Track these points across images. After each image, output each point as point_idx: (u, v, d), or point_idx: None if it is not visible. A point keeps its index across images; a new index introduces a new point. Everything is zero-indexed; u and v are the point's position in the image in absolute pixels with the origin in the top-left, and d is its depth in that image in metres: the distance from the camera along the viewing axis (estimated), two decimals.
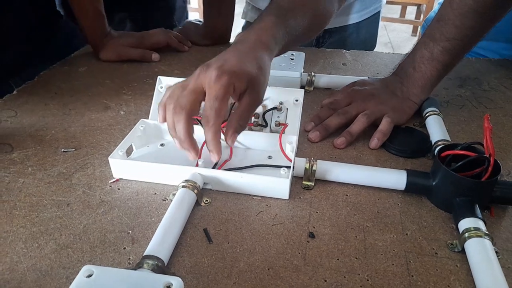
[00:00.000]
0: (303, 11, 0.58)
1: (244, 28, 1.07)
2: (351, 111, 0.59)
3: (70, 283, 0.32)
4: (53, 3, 0.88)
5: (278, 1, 0.57)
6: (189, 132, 0.45)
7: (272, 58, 0.52)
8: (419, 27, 2.93)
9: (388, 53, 0.88)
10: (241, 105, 0.47)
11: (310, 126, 0.59)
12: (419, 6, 3.27)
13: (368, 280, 0.38)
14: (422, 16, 3.00)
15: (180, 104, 0.44)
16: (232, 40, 0.94)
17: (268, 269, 0.39)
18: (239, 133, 0.47)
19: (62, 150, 0.55)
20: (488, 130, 0.42)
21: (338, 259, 0.40)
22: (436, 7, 0.94)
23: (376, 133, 0.56)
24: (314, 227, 0.43)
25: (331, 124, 0.58)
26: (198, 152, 0.47)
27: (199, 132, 0.54)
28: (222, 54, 0.48)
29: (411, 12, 3.51)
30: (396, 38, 3.46)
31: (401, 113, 0.60)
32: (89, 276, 0.33)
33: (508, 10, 0.57)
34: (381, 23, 1.09)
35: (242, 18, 1.05)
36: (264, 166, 0.50)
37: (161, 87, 0.59)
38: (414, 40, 3.21)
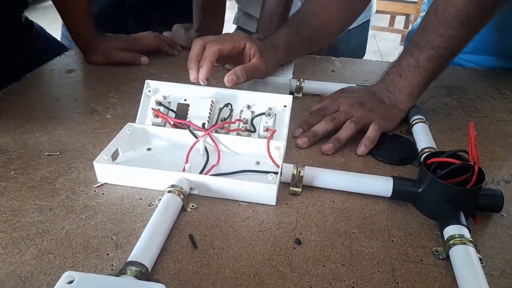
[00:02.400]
0: (310, 20, 0.70)
1: None
2: (339, 117, 0.59)
3: None
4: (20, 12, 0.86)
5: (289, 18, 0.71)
6: (198, 55, 0.57)
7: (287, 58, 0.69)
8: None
9: (377, 60, 0.89)
10: (248, 63, 0.60)
11: (298, 132, 0.59)
12: (407, 16, 3.33)
13: (354, 287, 0.37)
14: (410, 25, 3.04)
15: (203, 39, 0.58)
16: None
17: (254, 276, 0.38)
18: (236, 80, 0.57)
19: (46, 153, 0.54)
20: (473, 138, 0.42)
21: (324, 266, 0.40)
22: (418, 20, 0.95)
23: (363, 139, 0.57)
24: (301, 234, 0.43)
25: (319, 130, 0.58)
26: (196, 74, 0.56)
27: (183, 137, 0.54)
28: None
29: (399, 21, 3.57)
30: (385, 46, 3.51)
31: (389, 120, 0.60)
32: (70, 282, 0.32)
33: (490, 19, 0.58)
34: (370, 32, 1.10)
35: (233, 23, 1.06)
36: (252, 171, 0.50)
37: (149, 91, 0.58)
38: (402, 48, 3.26)
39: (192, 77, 0.56)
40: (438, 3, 0.59)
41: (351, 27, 1.01)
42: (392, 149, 0.56)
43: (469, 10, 0.56)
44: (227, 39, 0.59)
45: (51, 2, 0.78)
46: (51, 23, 1.16)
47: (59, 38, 1.00)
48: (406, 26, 3.38)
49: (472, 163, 0.43)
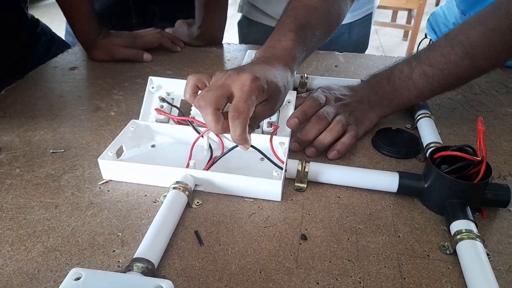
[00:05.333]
0: (317, 22, 0.59)
1: (240, 23, 1.07)
2: (327, 118, 0.55)
3: (58, 287, 0.31)
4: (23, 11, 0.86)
5: (295, 15, 0.57)
6: (218, 121, 0.44)
7: (293, 76, 0.56)
8: (410, 31, 2.96)
9: (380, 56, 0.89)
10: (257, 111, 0.46)
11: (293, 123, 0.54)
12: (410, 11, 3.30)
13: (360, 282, 0.37)
14: (413, 20, 3.02)
15: (205, 98, 0.43)
16: (224, 41, 0.94)
17: (260, 272, 0.38)
18: (249, 133, 0.46)
19: (51, 151, 0.54)
20: (481, 132, 0.42)
21: (330, 262, 0.39)
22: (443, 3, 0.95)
23: (337, 144, 0.54)
24: (307, 229, 0.43)
25: (311, 136, 0.54)
26: (227, 132, 0.44)
27: (187, 134, 0.53)
28: (249, 65, 0.48)
29: (402, 16, 3.55)
30: (387, 42, 3.49)
31: (362, 124, 0.58)
32: (77, 279, 0.32)
33: (492, 67, 0.56)
34: (372, 27, 1.09)
35: (238, 11, 1.05)
36: (256, 149, 0.50)
37: (152, 87, 0.58)
38: (405, 44, 3.24)
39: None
40: (454, 28, 0.56)
41: (353, 19, 1.00)
42: (397, 143, 0.55)
43: (478, 44, 0.53)
44: (245, 105, 0.44)
45: (53, 0, 0.78)
46: (52, 20, 1.16)
47: (61, 36, 1.00)
48: (408, 21, 3.36)
49: (480, 158, 0.42)
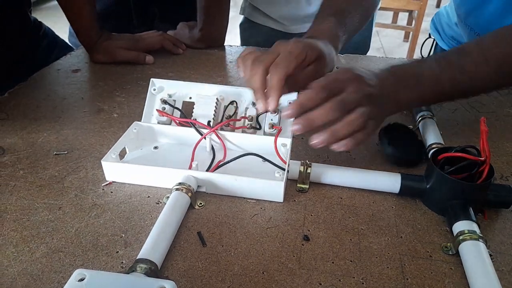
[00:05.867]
0: (355, 8, 0.64)
1: (242, 25, 1.07)
2: (348, 106, 0.46)
3: None
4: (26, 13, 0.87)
5: (332, 3, 0.63)
6: (263, 83, 0.50)
7: (337, 54, 0.59)
8: (411, 33, 2.96)
9: (382, 57, 0.89)
10: (305, 72, 0.53)
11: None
12: (410, 12, 3.30)
13: (363, 283, 0.37)
14: (414, 22, 3.02)
15: (258, 59, 0.51)
16: (226, 43, 0.94)
17: (263, 273, 0.38)
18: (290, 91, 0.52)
19: (54, 153, 0.55)
20: (484, 132, 0.42)
21: (333, 262, 0.39)
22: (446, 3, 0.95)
23: (351, 138, 0.46)
24: (309, 230, 0.43)
25: (318, 119, 0.45)
26: (266, 104, 0.50)
27: (190, 135, 0.54)
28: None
29: (403, 18, 3.55)
30: (388, 43, 3.49)
31: (380, 121, 0.51)
32: (81, 280, 0.32)
33: None
34: (373, 29, 1.10)
35: (240, 13, 1.06)
36: (259, 156, 0.51)
37: (154, 89, 0.58)
38: (406, 45, 3.23)
39: (260, 107, 0.51)
40: (487, 36, 0.53)
41: None
42: (403, 149, 0.53)
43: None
44: (288, 57, 0.50)
45: (55, 2, 0.78)
46: (55, 24, 1.17)
47: (64, 38, 1.00)
48: (409, 23, 3.36)
49: (483, 159, 0.42)
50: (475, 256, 0.38)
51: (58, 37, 0.96)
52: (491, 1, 0.68)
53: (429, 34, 1.01)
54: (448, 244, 0.41)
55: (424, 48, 1.06)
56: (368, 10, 0.67)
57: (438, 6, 4.00)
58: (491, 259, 0.38)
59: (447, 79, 0.52)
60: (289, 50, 0.51)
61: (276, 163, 0.50)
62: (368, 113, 0.46)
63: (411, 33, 2.97)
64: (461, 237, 0.40)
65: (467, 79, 0.52)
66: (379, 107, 0.48)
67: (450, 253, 0.40)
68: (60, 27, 1.04)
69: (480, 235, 0.40)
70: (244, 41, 1.08)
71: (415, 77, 0.52)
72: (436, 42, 1.00)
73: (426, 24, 1.04)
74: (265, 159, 0.51)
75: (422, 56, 1.04)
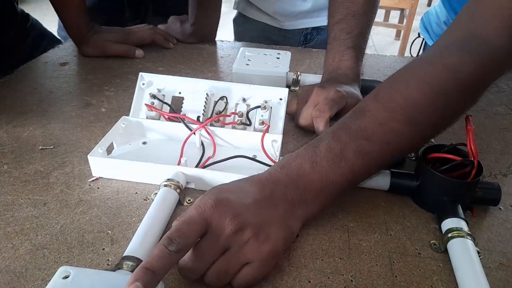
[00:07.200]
0: (366, 26, 0.66)
1: (235, 20, 1.06)
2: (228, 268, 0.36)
3: (46, 285, 0.31)
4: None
5: (348, 28, 0.64)
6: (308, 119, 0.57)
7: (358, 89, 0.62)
8: (402, 31, 2.97)
9: (373, 54, 0.89)
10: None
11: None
12: (402, 10, 3.32)
13: (352, 280, 0.37)
14: (405, 20, 3.03)
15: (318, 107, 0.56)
16: (217, 38, 0.93)
17: None
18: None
19: (40, 147, 0.54)
20: (471, 132, 0.42)
21: (322, 260, 0.39)
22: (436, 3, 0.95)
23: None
24: None
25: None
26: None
27: (179, 131, 0.53)
28: (328, 83, 0.60)
29: (394, 16, 3.56)
30: (379, 41, 3.51)
31: (273, 243, 0.36)
32: (66, 277, 0.31)
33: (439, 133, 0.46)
34: None
35: (233, 8, 1.05)
36: (247, 158, 0.50)
37: (143, 84, 0.57)
38: (397, 43, 3.25)
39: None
40: (381, 85, 0.45)
41: None
42: None
43: (421, 106, 0.41)
44: (331, 104, 0.55)
45: None
46: (44, 16, 1.14)
47: (53, 31, 0.98)
48: (400, 21, 3.37)
49: (471, 159, 0.42)
50: (463, 253, 0.38)
51: (46, 29, 0.94)
52: None
53: (418, 34, 1.01)
54: (437, 241, 0.41)
55: (413, 47, 1.06)
56: (373, 19, 0.68)
57: (429, 5, 4.02)
58: (479, 256, 0.38)
59: (353, 153, 0.41)
60: (325, 102, 0.55)
61: (266, 162, 0.50)
62: (236, 258, 0.35)
63: (402, 31, 2.99)
64: (449, 235, 0.40)
65: (378, 147, 0.41)
66: (265, 232, 0.36)
67: (439, 250, 0.41)
68: (50, 19, 1.02)
69: (469, 232, 0.40)
70: (238, 37, 1.07)
71: (313, 168, 0.40)
72: (425, 42, 1.01)
73: (417, 22, 1.04)
74: (254, 160, 0.50)
75: (412, 56, 1.04)
